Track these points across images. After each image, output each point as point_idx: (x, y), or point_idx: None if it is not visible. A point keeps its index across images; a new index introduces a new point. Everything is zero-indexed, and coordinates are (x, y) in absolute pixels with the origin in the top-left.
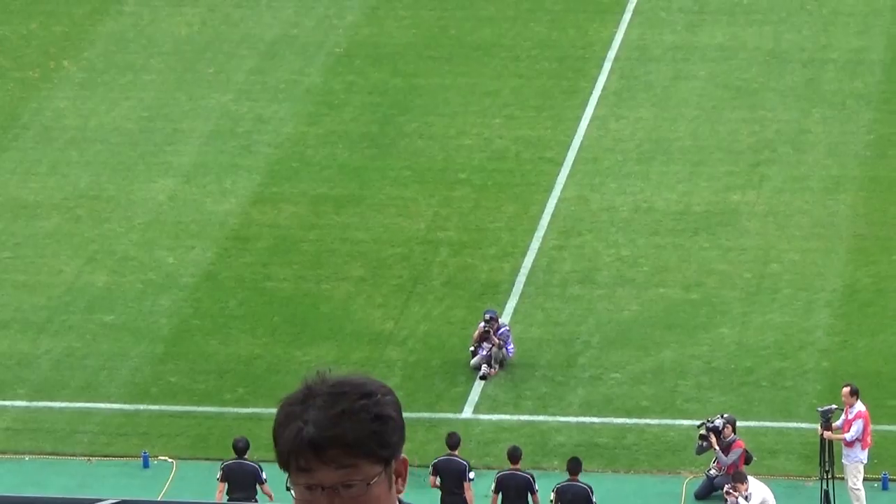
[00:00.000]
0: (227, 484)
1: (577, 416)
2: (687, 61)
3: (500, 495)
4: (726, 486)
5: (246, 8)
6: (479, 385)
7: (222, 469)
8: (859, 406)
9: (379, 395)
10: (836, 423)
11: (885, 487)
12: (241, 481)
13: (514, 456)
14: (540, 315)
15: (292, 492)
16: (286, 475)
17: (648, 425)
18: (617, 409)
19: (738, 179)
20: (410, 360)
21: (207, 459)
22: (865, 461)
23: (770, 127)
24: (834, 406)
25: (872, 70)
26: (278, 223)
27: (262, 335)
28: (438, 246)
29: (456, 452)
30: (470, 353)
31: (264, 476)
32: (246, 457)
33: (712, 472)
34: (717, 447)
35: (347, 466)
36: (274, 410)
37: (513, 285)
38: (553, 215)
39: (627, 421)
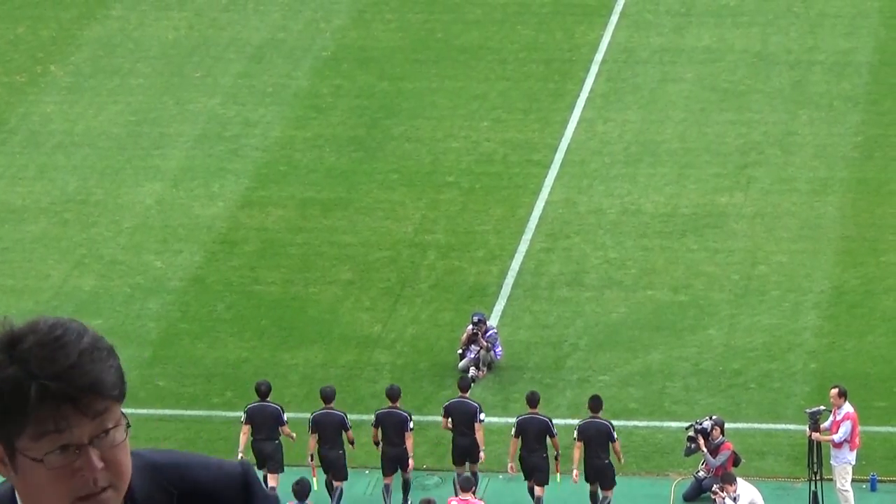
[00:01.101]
0: (250, 426)
1: (565, 418)
2: (674, 63)
3: (519, 438)
4: (714, 486)
5: (233, 12)
6: None
7: (246, 412)
8: (847, 407)
9: (91, 330)
10: (824, 425)
11: (873, 489)
12: (264, 423)
13: (533, 400)
14: (528, 318)
15: (24, 472)
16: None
17: (637, 427)
18: (605, 411)
19: (726, 181)
20: (398, 363)
21: None
22: (853, 462)
23: (757, 129)
24: (822, 407)
25: (860, 72)
26: (266, 227)
27: (250, 339)
28: (426, 249)
29: (467, 395)
30: (458, 356)
31: (285, 418)
32: (268, 399)
33: (701, 473)
34: (704, 449)
35: (102, 413)
36: None
37: (500, 288)
38: (541, 218)
39: (615, 423)
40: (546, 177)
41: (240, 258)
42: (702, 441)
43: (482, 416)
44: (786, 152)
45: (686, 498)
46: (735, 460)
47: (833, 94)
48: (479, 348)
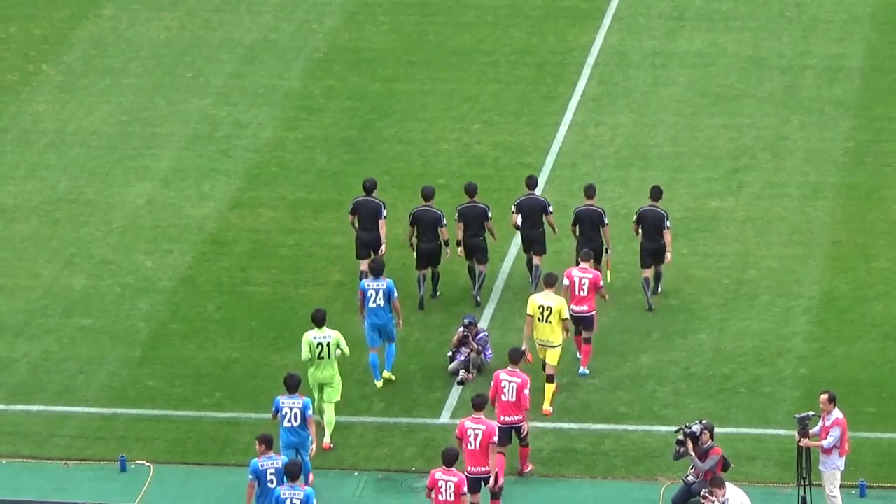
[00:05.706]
0: (356, 216)
1: (554, 421)
2: (666, 67)
3: (577, 227)
4: (703, 490)
5: (225, 12)
6: (456, 390)
7: (353, 203)
8: (837, 413)
9: None
10: (813, 430)
11: (862, 494)
12: (367, 214)
13: (590, 192)
14: (518, 321)
15: None
16: None
17: (626, 431)
18: (595, 414)
19: (717, 186)
20: None
21: (185, 464)
22: (842, 468)
23: (749, 133)
24: (811, 413)
25: (851, 77)
26: (257, 227)
27: (240, 339)
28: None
29: (536, 192)
30: (448, 359)
31: (385, 213)
32: (373, 195)
33: (690, 478)
34: (693, 453)
35: None
36: (251, 415)
37: (491, 291)
38: None
39: (605, 427)
40: (537, 179)
41: (230, 259)
42: (690, 445)
43: (551, 209)
44: (777, 157)
45: (675, 502)
46: (724, 465)
47: (824, 99)
48: (469, 350)
